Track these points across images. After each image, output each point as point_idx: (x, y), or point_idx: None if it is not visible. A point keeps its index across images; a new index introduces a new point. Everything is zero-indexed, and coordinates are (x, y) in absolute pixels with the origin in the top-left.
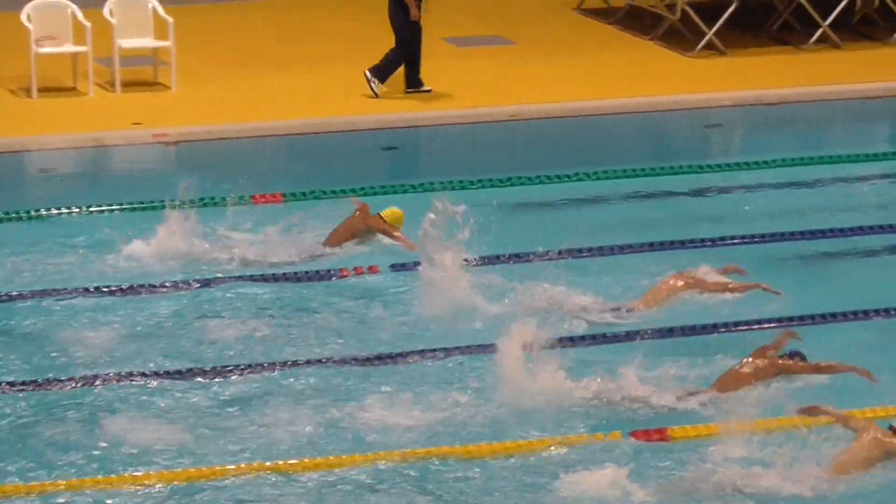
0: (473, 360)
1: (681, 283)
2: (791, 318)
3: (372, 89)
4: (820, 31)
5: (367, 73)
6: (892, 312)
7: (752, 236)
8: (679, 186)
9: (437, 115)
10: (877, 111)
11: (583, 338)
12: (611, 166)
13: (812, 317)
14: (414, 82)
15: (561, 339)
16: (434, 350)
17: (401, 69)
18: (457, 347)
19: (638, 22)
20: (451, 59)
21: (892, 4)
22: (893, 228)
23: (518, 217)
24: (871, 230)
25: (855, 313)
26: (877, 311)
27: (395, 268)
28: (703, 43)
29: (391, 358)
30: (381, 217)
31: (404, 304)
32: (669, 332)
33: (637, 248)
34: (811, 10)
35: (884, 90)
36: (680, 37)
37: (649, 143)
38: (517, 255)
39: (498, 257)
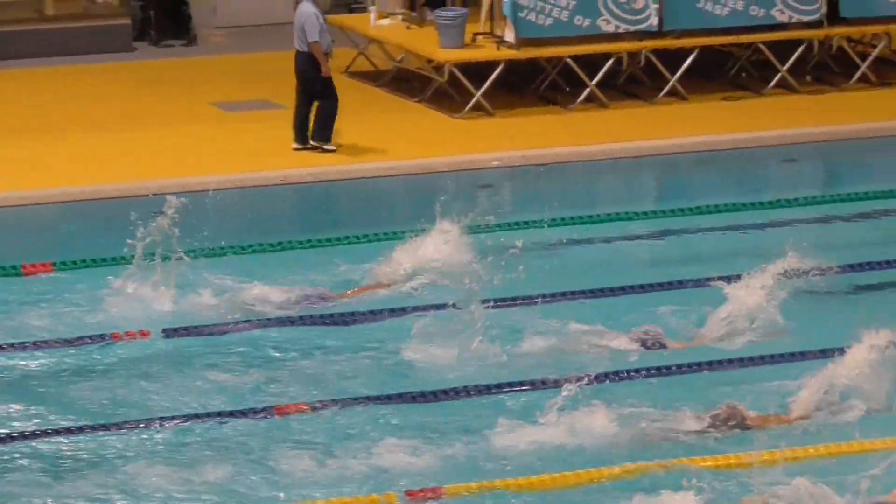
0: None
1: None
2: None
3: (327, 151)
4: (587, 90)
5: (313, 143)
6: (667, 370)
7: (524, 298)
8: None
9: (205, 181)
10: (645, 169)
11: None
12: (381, 229)
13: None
14: (324, 137)
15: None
16: (212, 413)
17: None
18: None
19: (406, 84)
20: (220, 124)
21: (658, 65)
22: (671, 285)
23: (292, 282)
24: (651, 287)
25: (639, 370)
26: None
27: (167, 332)
28: (470, 104)
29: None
30: None
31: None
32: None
33: (410, 310)
34: (578, 71)
35: (652, 148)
36: (449, 98)
37: (420, 205)
38: (279, 320)
39: (269, 320)
